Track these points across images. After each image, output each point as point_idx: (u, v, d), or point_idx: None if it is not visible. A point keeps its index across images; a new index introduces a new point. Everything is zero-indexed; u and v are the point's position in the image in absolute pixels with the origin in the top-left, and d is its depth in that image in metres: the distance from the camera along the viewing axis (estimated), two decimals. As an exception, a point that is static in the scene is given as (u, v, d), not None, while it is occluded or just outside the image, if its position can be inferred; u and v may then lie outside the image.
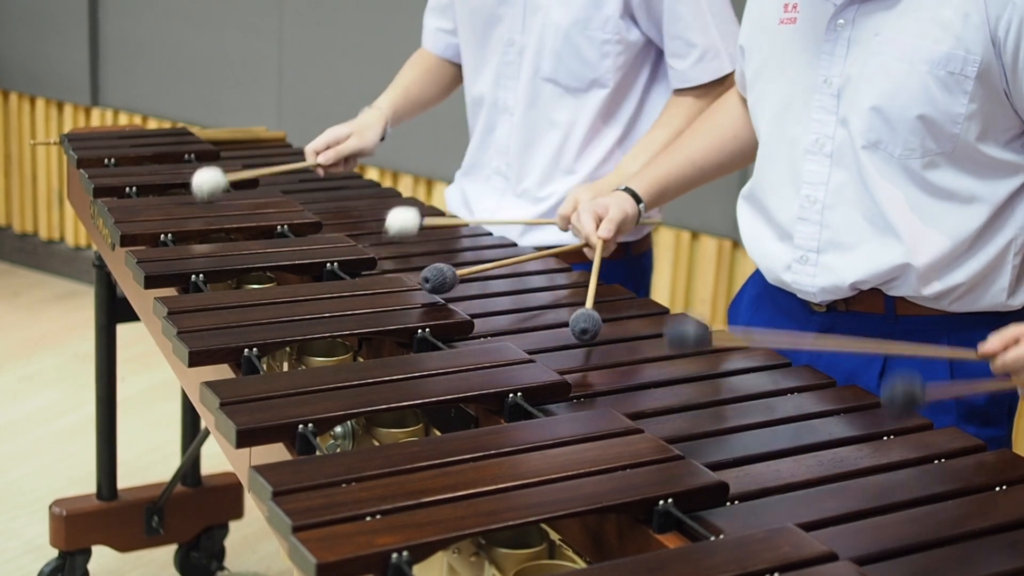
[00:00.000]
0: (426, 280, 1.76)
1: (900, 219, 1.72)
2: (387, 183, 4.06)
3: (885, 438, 1.47)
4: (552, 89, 2.30)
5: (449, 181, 3.86)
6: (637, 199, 2.03)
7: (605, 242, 1.96)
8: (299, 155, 2.84)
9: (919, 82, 1.66)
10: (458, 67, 2.55)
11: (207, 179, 2.20)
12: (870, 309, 1.80)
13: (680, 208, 3.30)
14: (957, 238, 1.73)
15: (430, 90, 2.58)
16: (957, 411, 1.77)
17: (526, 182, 2.36)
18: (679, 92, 2.28)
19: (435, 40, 2.57)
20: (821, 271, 1.79)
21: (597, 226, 1.97)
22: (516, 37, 2.31)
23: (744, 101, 2.00)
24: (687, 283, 3.63)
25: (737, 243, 3.51)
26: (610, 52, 2.24)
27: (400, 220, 2.04)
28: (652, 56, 2.31)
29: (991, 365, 1.50)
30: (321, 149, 2.44)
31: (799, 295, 1.84)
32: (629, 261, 2.37)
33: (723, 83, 2.25)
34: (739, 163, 2.08)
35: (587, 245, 2.00)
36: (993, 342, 1.49)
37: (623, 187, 2.05)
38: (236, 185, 2.34)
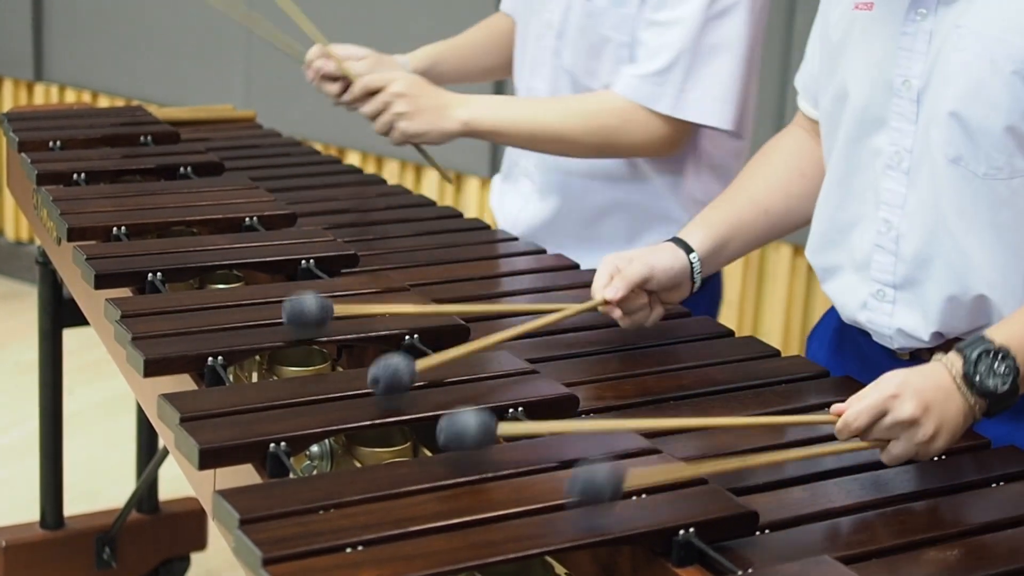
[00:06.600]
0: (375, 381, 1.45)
1: (982, 255, 1.59)
2: (408, 178, 4.06)
3: (935, 458, 1.46)
4: (570, 82, 2.25)
5: (479, 176, 3.87)
6: (687, 249, 1.79)
7: (609, 304, 1.72)
8: (275, 135, 2.85)
9: (1004, 85, 1.53)
10: None
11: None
12: None
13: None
14: None
15: (493, 54, 2.51)
16: None
17: None
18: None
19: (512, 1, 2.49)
20: (899, 310, 1.68)
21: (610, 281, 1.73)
22: (554, 18, 2.26)
23: (808, 133, 1.88)
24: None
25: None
26: (624, 58, 2.17)
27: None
28: None
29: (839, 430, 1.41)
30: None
31: (875, 338, 1.72)
32: None
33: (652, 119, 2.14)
34: (809, 207, 1.84)
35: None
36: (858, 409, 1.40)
37: (672, 237, 1.81)
38: (199, 171, 2.34)
